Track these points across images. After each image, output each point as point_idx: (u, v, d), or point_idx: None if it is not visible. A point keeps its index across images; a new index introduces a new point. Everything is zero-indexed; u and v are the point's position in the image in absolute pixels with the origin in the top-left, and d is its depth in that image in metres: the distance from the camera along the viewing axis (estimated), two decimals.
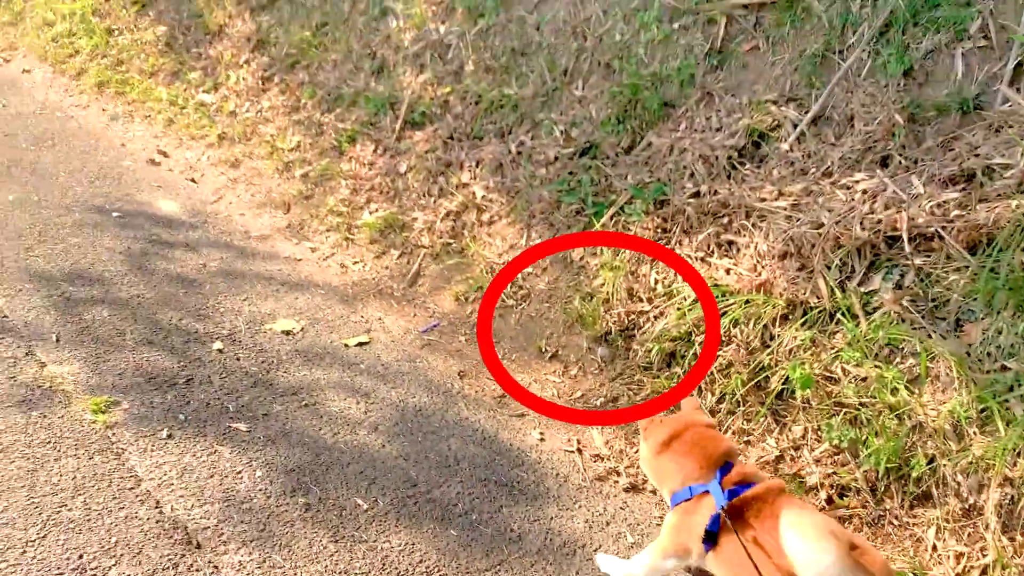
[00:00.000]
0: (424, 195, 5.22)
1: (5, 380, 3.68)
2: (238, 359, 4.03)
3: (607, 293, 4.15)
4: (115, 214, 5.34)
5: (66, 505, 3.06)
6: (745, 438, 3.55)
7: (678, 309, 3.86)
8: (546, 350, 4.28)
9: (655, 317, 3.99)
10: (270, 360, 4.06)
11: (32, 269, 4.58)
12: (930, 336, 3.25)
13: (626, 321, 4.06)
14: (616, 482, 3.53)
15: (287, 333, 4.30)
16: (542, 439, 3.74)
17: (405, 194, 5.31)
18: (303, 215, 5.49)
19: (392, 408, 3.81)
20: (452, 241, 4.91)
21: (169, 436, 3.48)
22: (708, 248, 3.99)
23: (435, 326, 4.43)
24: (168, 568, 2.86)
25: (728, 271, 3.86)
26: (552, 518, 3.28)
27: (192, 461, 3.36)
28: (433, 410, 3.85)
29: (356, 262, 5.04)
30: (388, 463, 3.47)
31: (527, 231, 4.72)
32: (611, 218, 4.40)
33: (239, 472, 3.33)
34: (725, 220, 4.03)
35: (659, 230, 4.19)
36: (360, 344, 4.28)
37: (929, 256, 3.39)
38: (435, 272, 4.83)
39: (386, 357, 4.19)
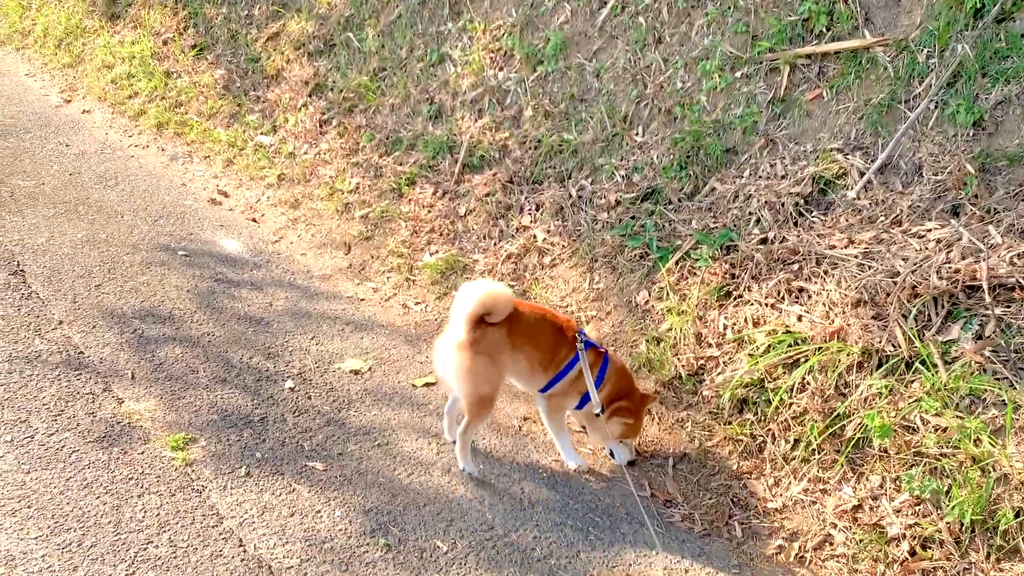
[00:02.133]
0: (484, 238, 5.30)
1: (85, 416, 3.76)
2: (310, 398, 4.08)
3: (675, 338, 4.17)
4: (180, 253, 5.45)
5: (152, 542, 3.10)
6: (821, 486, 3.53)
7: (750, 355, 3.86)
8: None
9: (725, 363, 3.99)
10: (341, 399, 4.11)
11: (104, 306, 4.68)
12: (1013, 387, 3.24)
13: (695, 366, 4.07)
14: (691, 528, 3.51)
15: (356, 372, 4.35)
16: (612, 483, 3.74)
17: (465, 236, 5.38)
18: (364, 256, 5.57)
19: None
20: (514, 284, 4.96)
21: (247, 474, 3.52)
22: (778, 295, 4.01)
23: None
24: None
25: (800, 318, 3.87)
26: (631, 564, 3.27)
27: (272, 499, 3.39)
28: (503, 452, 3.86)
29: (418, 303, 5.10)
30: (464, 505, 3.49)
31: (590, 275, 4.76)
32: (676, 263, 4.43)
33: (318, 511, 3.36)
34: (795, 267, 4.05)
35: (727, 276, 4.21)
36: (427, 385, 4.32)
37: (1010, 306, 3.39)
38: None
39: None
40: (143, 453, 3.57)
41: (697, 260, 4.35)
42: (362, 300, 5.14)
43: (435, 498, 3.50)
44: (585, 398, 3.67)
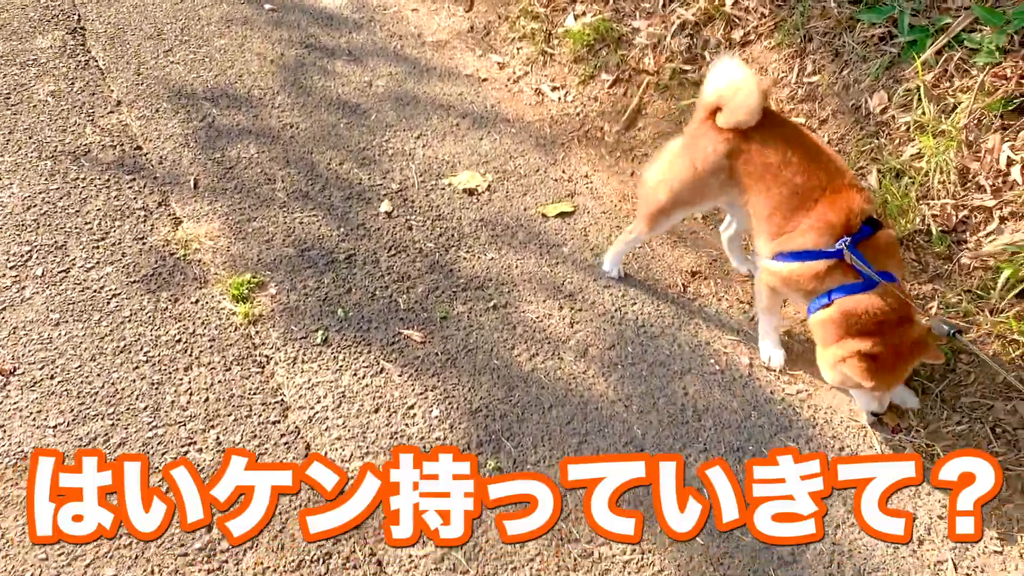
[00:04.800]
0: None
1: (133, 242, 2.99)
2: (410, 229, 3.14)
3: (925, 171, 2.85)
4: (267, 6, 4.36)
5: (195, 442, 2.39)
6: None
7: None
8: None
9: (1003, 219, 2.70)
10: (449, 233, 3.13)
11: (171, 81, 3.78)
12: None
13: (954, 218, 2.79)
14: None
15: (470, 193, 3.32)
16: (817, 392, 2.69)
17: None
18: (489, 15, 4.29)
19: (606, 321, 2.84)
20: (687, 67, 3.63)
21: (325, 341, 2.71)
22: None
23: None
24: (315, 554, 2.16)
25: None
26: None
27: (353, 384, 2.59)
28: (661, 327, 2.85)
29: (555, 88, 3.88)
30: (603, 410, 2.56)
31: (799, 61, 3.37)
32: (938, 53, 2.98)
33: (410, 407, 2.53)
34: None
35: (1020, 79, 2.77)
36: (562, 215, 3.26)
37: None
38: (661, 111, 3.63)
39: (595, 237, 3.16)
40: (197, 302, 2.80)
41: (975, 51, 2.89)
42: (484, 80, 3.97)
43: (565, 397, 2.59)
44: (817, 301, 2.47)
